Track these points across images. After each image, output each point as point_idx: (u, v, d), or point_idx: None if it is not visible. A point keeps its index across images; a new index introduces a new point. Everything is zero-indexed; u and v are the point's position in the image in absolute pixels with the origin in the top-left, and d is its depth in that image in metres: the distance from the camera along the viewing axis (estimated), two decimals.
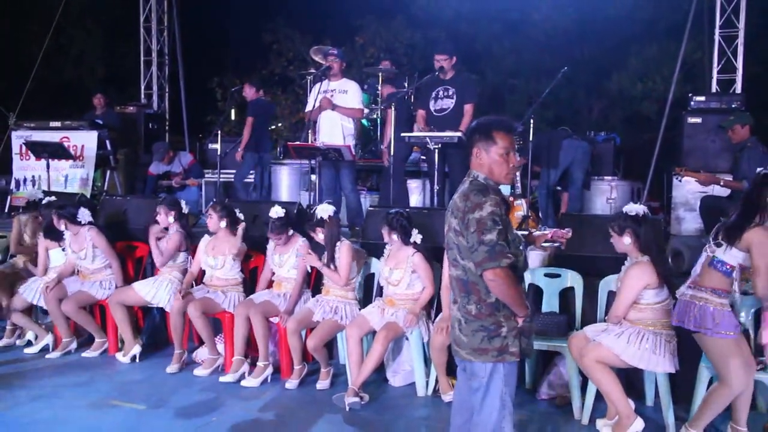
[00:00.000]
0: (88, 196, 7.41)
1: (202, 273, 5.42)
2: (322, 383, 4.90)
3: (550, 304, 4.87)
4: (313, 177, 6.68)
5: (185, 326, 5.29)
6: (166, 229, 5.52)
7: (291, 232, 5.15)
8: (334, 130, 6.64)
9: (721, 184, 5.95)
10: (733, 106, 7.30)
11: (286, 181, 8.00)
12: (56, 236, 5.73)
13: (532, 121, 6.25)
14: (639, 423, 3.92)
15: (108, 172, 8.77)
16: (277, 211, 5.02)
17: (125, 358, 5.40)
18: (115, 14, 14.32)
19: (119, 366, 5.35)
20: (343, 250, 4.90)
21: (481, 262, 2.73)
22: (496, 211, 2.72)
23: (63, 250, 5.73)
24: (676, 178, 6.94)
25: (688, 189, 7.17)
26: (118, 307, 5.38)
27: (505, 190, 7.38)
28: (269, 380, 4.98)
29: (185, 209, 5.56)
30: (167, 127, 10.95)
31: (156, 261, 5.48)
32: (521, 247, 2.90)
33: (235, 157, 7.83)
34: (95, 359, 5.50)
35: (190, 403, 4.58)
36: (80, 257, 5.56)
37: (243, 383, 4.91)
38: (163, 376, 5.10)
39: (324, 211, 4.96)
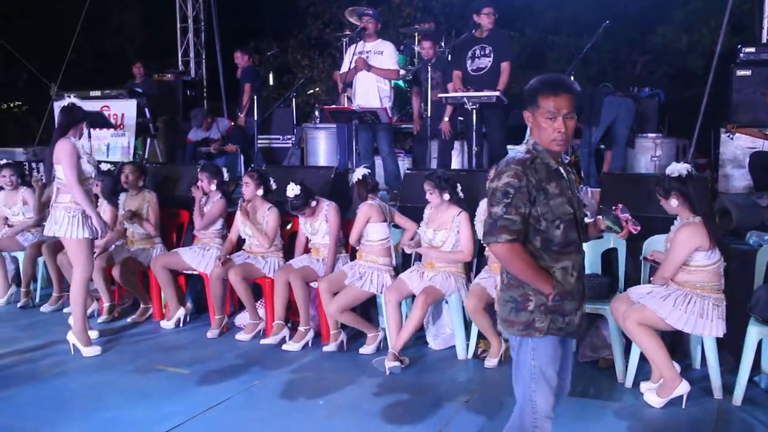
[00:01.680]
0: None
1: (241, 239, 5.46)
2: (367, 348, 4.90)
3: (592, 265, 4.78)
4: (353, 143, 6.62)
5: (226, 292, 5.35)
6: (206, 194, 5.57)
7: (314, 202, 5.10)
8: (370, 93, 6.56)
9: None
10: None
11: (323, 146, 7.96)
12: (113, 201, 5.86)
13: (572, 78, 6.05)
14: (684, 386, 3.84)
15: (148, 140, 8.86)
16: (292, 189, 4.96)
17: (170, 324, 5.49)
18: None
19: (163, 332, 5.45)
20: (361, 209, 4.89)
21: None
22: (512, 183, 2.50)
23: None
24: (728, 136, 6.70)
25: (736, 145, 6.90)
26: (163, 271, 5.45)
27: None
28: (310, 344, 5.01)
29: (226, 176, 5.60)
30: (205, 94, 10.99)
31: (196, 224, 5.54)
32: (558, 222, 2.57)
33: (239, 123, 8.09)
34: (141, 325, 5.60)
35: (233, 366, 4.65)
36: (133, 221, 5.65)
37: (284, 347, 4.96)
38: (205, 342, 5.19)
39: (356, 174, 4.97)
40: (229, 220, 5.59)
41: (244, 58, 8.46)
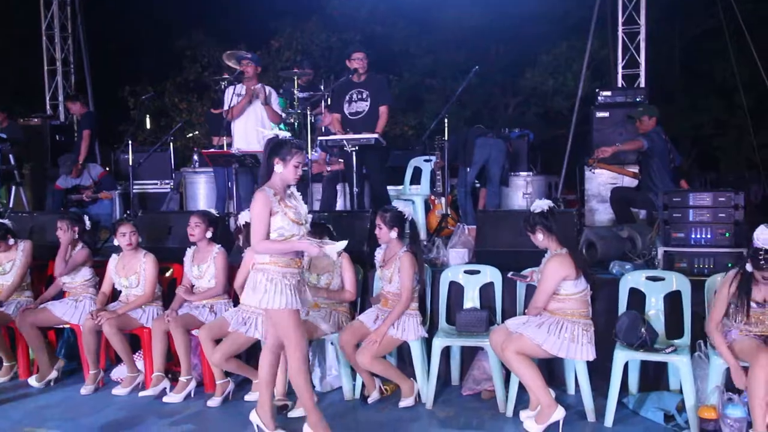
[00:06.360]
0: None
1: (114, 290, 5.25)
2: (253, 395, 4.77)
3: (471, 300, 4.93)
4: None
5: (101, 345, 5.10)
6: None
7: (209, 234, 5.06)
8: (249, 136, 6.54)
9: (619, 145, 6.19)
10: (638, 99, 7.61)
11: (203, 190, 7.83)
12: None
13: (446, 120, 6.31)
14: (560, 411, 4.01)
15: (13, 188, 8.39)
16: (243, 216, 4.91)
17: (39, 383, 5.14)
18: (15, 20, 13.62)
19: (31, 391, 5.08)
20: (247, 254, 4.80)
21: None
22: None
23: None
24: (590, 170, 7.17)
25: (599, 181, 7.43)
26: (31, 329, 5.11)
27: (425, 190, 7.48)
28: (192, 395, 4.84)
29: (88, 225, 5.41)
30: (76, 139, 10.56)
31: (58, 268, 5.26)
32: None
33: (73, 173, 7.98)
34: (4, 385, 5.22)
35: (109, 423, 4.41)
36: (5, 270, 5.35)
37: (165, 399, 4.76)
38: (79, 399, 4.89)
39: (243, 217, 4.90)
40: (100, 271, 5.36)
41: (76, 105, 8.54)
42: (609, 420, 4.13)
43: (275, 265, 3.70)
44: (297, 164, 3.75)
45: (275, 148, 3.74)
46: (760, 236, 3.73)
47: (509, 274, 4.57)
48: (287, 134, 3.85)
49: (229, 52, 8.84)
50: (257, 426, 3.99)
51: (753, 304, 3.83)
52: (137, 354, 5.15)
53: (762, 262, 3.70)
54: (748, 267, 3.78)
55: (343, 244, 3.74)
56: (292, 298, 3.71)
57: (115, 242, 5.20)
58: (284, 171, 3.73)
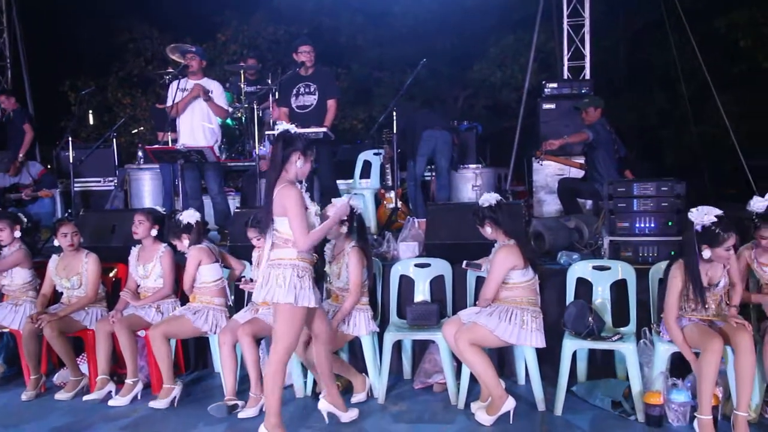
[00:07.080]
0: None
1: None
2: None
3: (422, 293, 4.93)
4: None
5: (42, 349, 4.94)
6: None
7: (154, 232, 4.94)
8: (194, 132, 6.41)
9: (566, 137, 6.21)
10: (583, 91, 7.72)
11: (148, 187, 7.65)
12: None
13: (395, 113, 6.28)
14: (510, 402, 4.05)
15: None
16: (191, 215, 4.81)
17: None
18: None
19: None
20: (190, 254, 4.75)
21: None
22: None
23: None
24: (538, 162, 7.25)
25: (547, 173, 7.52)
26: None
27: (375, 184, 7.47)
28: (139, 398, 4.73)
29: (26, 224, 5.24)
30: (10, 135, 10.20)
31: None
32: None
33: (11, 170, 7.81)
34: None
35: (52, 429, 4.26)
36: None
37: (110, 403, 4.63)
38: (20, 405, 4.73)
39: (190, 217, 4.80)
40: (40, 273, 5.18)
41: (11, 100, 8.33)
42: (559, 409, 4.19)
43: (303, 261, 3.68)
44: (312, 161, 3.78)
45: (293, 141, 3.70)
46: (698, 218, 3.77)
47: (463, 264, 4.59)
48: (294, 128, 3.79)
49: (173, 45, 8.63)
50: (328, 413, 4.08)
51: None
52: (81, 357, 5.01)
53: (721, 234, 3.70)
54: (706, 254, 3.76)
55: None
56: (317, 296, 3.71)
57: (56, 243, 5.04)
58: (304, 167, 3.74)
